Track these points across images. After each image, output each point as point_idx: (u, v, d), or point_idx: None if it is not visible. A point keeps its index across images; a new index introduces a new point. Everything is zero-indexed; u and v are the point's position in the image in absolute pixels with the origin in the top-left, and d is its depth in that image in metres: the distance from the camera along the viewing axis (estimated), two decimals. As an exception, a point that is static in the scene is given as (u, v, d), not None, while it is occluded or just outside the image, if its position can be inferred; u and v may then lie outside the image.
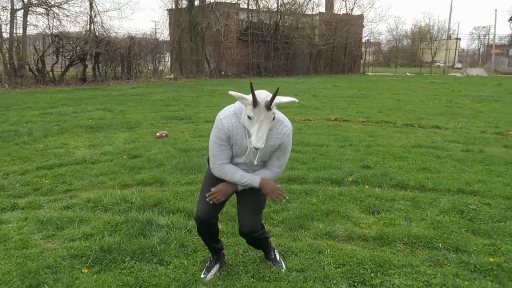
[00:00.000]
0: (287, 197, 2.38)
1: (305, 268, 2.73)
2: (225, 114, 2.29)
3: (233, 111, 2.29)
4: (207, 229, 2.52)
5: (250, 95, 2.11)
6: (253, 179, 2.36)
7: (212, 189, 2.41)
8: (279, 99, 2.16)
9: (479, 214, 3.58)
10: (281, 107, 2.49)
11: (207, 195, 2.41)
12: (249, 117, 2.13)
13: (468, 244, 3.03)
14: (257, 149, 2.14)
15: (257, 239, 2.55)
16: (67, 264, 2.74)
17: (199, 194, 2.56)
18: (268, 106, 2.10)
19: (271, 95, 2.14)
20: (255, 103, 2.09)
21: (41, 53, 19.09)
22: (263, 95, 2.13)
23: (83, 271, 2.68)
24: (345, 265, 2.75)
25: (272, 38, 29.99)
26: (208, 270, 2.66)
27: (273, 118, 2.17)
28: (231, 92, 2.15)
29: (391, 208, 3.75)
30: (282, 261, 2.78)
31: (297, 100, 2.29)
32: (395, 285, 2.54)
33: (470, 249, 2.96)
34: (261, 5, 29.96)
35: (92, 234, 3.18)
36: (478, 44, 75.27)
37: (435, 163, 5.28)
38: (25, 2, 18.39)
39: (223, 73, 27.30)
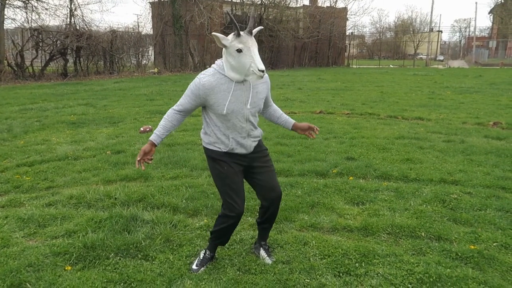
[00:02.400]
0: (141, 167, 2.47)
1: (291, 260, 2.75)
2: (205, 75, 2.37)
3: (212, 71, 2.37)
4: (238, 222, 2.56)
5: (229, 36, 2.24)
6: (153, 135, 2.51)
7: None
8: (254, 29, 2.30)
9: (461, 203, 3.65)
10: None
11: None
12: (239, 51, 2.21)
13: (450, 233, 3.09)
14: (262, 71, 2.21)
15: (279, 204, 2.65)
16: (49, 262, 2.70)
17: (223, 189, 2.46)
18: (251, 30, 2.23)
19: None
20: (238, 31, 2.20)
21: (20, 48, 18.61)
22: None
23: (66, 268, 2.64)
24: (330, 256, 2.77)
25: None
26: (202, 264, 2.66)
27: None
28: (214, 33, 2.24)
29: (375, 199, 3.79)
30: (271, 253, 2.80)
31: (262, 27, 2.48)
32: (379, 274, 2.57)
33: (452, 237, 3.02)
34: (245, -2, 29.80)
35: (75, 231, 3.13)
36: (459, 36, 76.43)
37: (418, 153, 5.35)
38: (2, -5, 17.89)
39: (207, 66, 26.77)
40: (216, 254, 2.79)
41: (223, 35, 2.23)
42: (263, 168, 2.56)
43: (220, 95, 2.32)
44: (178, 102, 2.47)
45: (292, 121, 2.69)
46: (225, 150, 2.44)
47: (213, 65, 2.39)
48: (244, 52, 2.20)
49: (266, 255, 2.75)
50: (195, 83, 2.35)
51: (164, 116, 2.52)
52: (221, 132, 2.42)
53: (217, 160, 2.47)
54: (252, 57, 2.20)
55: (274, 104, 2.70)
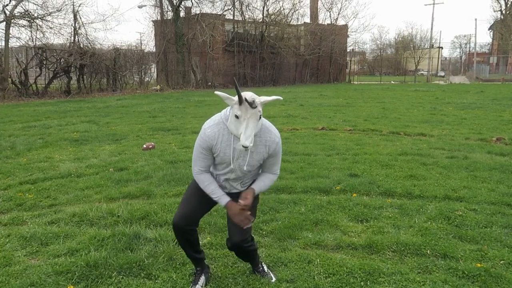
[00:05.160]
0: (252, 220, 2.40)
1: (295, 278, 2.71)
2: (210, 124, 2.34)
3: (218, 120, 2.34)
4: (184, 236, 2.49)
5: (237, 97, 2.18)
6: (222, 199, 2.37)
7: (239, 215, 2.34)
8: (264, 98, 2.24)
9: (466, 220, 3.62)
10: (269, 116, 2.50)
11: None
12: (236, 117, 2.16)
13: (455, 250, 3.05)
14: (245, 147, 2.13)
15: (247, 250, 2.54)
16: (52, 281, 2.68)
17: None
18: (252, 103, 2.14)
19: (256, 96, 2.20)
20: (240, 100, 2.13)
21: (24, 66, 18.84)
22: (248, 94, 2.18)
23: (68, 287, 2.61)
24: (335, 275, 2.74)
25: (258, 48, 30.18)
26: (195, 282, 2.62)
27: (260, 117, 2.20)
28: (217, 92, 2.21)
29: (379, 216, 3.76)
30: (270, 272, 2.76)
31: (281, 98, 2.36)
32: (385, 293, 2.53)
33: (458, 255, 2.99)
34: (247, 16, 30.21)
35: (77, 249, 3.11)
36: (460, 52, 76.95)
37: (421, 170, 5.33)
38: (7, 14, 18.19)
39: (209, 83, 27.32)
40: (209, 269, 2.75)
41: (227, 95, 2.19)
42: None
43: (221, 145, 2.32)
44: (195, 168, 2.39)
45: (250, 190, 2.44)
46: None
47: (221, 112, 2.35)
48: (240, 120, 2.16)
49: (262, 278, 2.70)
50: (201, 136, 2.33)
51: (203, 185, 2.40)
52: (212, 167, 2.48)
53: (197, 186, 2.47)
54: (243, 130, 2.13)
55: (274, 175, 2.51)
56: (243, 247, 2.48)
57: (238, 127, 2.18)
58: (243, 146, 2.13)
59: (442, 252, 3.04)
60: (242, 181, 2.47)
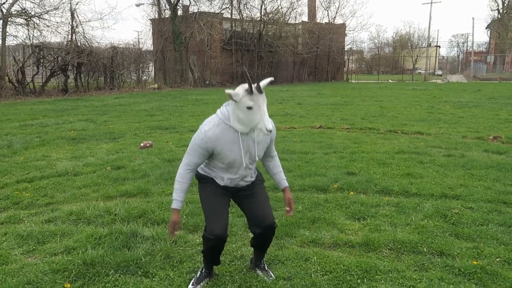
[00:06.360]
0: (176, 234, 2.55)
1: (292, 276, 2.72)
2: (210, 126, 2.33)
3: (217, 121, 2.34)
4: (221, 246, 2.49)
5: (239, 89, 2.21)
6: (175, 203, 2.43)
7: None
8: (263, 82, 2.29)
9: (462, 218, 3.63)
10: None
11: None
12: (249, 108, 2.20)
13: (452, 248, 3.06)
14: (270, 131, 2.23)
15: (274, 232, 2.56)
16: (48, 279, 2.67)
17: (204, 211, 2.49)
18: (260, 89, 2.21)
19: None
20: (251, 89, 2.17)
21: (21, 64, 18.77)
22: (247, 85, 2.22)
23: (65, 286, 2.61)
24: (332, 272, 2.75)
25: (256, 47, 30.15)
26: (198, 282, 2.62)
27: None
28: (227, 91, 2.22)
29: (376, 214, 3.77)
30: (269, 271, 2.76)
31: (272, 78, 2.46)
32: (381, 291, 2.54)
33: (454, 253, 3.00)
34: (245, 15, 30.16)
35: (74, 247, 3.11)
36: (457, 51, 77.17)
37: (418, 168, 5.35)
38: (4, 13, 18.11)
39: (207, 82, 27.28)
40: (215, 270, 2.76)
41: (234, 92, 2.20)
42: (253, 195, 2.53)
43: (226, 145, 2.33)
44: (186, 160, 2.42)
45: (284, 184, 2.64)
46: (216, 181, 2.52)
47: (218, 113, 2.36)
48: (254, 110, 2.20)
49: (262, 275, 2.71)
50: (201, 137, 2.32)
51: (177, 179, 2.44)
52: (219, 172, 2.48)
53: (204, 182, 2.54)
54: (262, 116, 2.20)
55: (276, 157, 2.66)
56: (274, 228, 2.51)
57: (252, 118, 2.22)
58: (267, 130, 2.21)
59: (439, 249, 3.05)
60: (246, 177, 2.51)
